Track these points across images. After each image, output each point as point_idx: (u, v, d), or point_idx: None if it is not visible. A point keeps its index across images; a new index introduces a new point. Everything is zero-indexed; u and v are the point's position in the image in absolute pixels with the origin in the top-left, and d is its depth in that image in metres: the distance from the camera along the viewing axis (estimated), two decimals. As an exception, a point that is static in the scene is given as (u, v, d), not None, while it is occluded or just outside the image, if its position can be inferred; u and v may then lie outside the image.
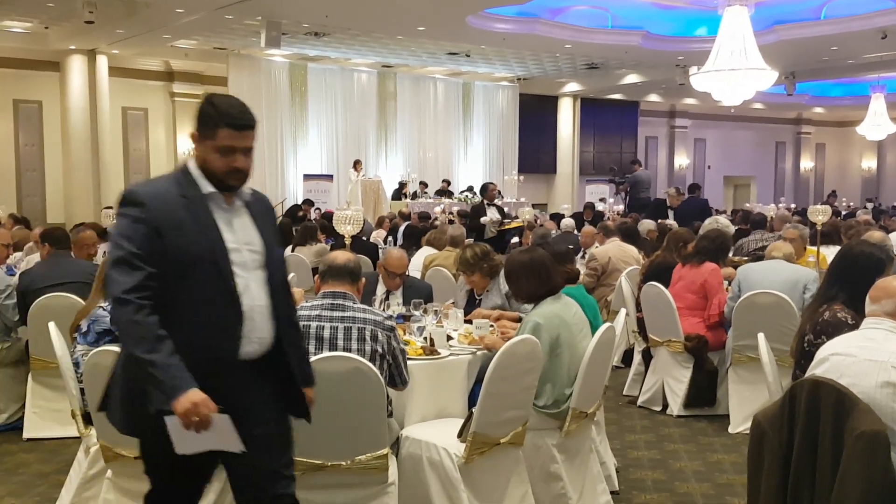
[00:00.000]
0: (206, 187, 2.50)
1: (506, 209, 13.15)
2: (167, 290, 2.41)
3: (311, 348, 3.34)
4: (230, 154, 2.47)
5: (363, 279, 3.73)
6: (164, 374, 2.32)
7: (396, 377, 3.53)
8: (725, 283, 5.98)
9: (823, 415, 2.69)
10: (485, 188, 12.46)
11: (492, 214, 11.53)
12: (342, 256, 3.65)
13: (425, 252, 7.72)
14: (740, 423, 5.38)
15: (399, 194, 17.57)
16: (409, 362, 3.63)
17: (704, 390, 5.74)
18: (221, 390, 2.42)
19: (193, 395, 2.32)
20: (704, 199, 13.00)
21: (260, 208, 2.65)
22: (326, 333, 3.39)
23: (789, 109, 26.69)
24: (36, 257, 6.86)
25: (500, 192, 15.84)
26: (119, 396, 2.53)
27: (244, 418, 2.47)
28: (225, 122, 2.45)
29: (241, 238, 2.55)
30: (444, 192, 18.35)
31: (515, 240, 11.25)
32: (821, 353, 2.94)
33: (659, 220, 10.81)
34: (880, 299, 2.92)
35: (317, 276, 3.67)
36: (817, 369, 2.87)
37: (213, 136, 2.46)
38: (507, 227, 11.74)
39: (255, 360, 2.56)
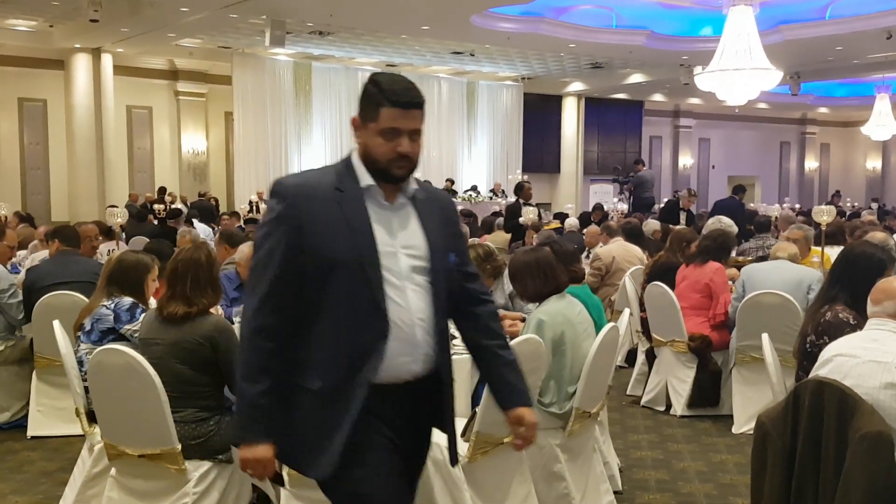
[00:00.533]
0: (366, 179, 2.22)
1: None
2: (307, 294, 2.17)
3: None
4: (395, 137, 2.18)
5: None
6: (248, 412, 2.15)
7: None
8: (729, 282, 5.97)
9: (827, 416, 2.69)
10: (520, 188, 12.16)
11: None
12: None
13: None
14: (744, 424, 5.37)
15: (402, 194, 17.54)
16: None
17: (708, 390, 5.73)
18: (364, 411, 2.16)
19: (261, 451, 2.15)
20: (742, 203, 12.14)
21: (430, 207, 2.31)
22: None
23: (794, 109, 26.67)
24: (40, 255, 6.88)
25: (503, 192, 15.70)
26: None
27: (396, 443, 2.24)
28: (388, 101, 2.17)
29: (398, 240, 2.22)
30: (448, 191, 18.35)
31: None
32: (824, 354, 2.94)
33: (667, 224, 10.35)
34: (881, 301, 2.92)
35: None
36: (821, 370, 2.87)
37: (376, 118, 2.19)
38: (544, 227, 11.62)
39: (413, 382, 2.24)
